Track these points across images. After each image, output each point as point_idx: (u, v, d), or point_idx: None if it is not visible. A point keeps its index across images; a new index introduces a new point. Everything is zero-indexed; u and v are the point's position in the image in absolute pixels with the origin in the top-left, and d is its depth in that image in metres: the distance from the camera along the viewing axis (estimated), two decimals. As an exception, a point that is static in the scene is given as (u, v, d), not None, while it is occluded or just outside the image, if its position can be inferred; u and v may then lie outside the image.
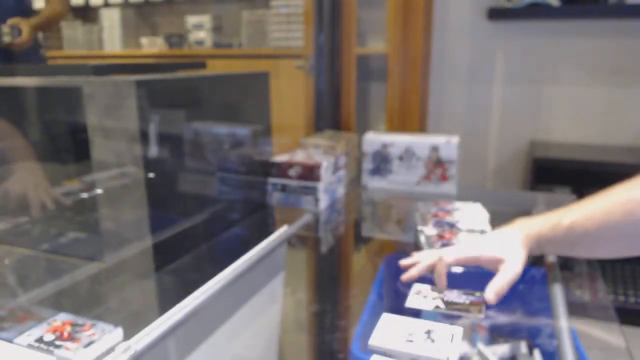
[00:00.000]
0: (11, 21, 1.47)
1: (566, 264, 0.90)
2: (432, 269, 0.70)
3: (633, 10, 1.91)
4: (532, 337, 0.74)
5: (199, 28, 2.66)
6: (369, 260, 1.03)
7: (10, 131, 0.98)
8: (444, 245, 0.91)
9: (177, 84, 0.98)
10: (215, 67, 2.43)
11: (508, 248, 0.66)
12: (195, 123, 0.98)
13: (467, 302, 0.70)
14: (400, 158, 1.27)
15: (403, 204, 1.26)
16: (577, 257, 0.74)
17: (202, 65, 1.23)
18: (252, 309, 0.68)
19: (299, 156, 1.18)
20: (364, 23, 2.35)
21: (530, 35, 2.16)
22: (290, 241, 0.90)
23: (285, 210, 1.14)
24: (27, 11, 1.61)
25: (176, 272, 0.84)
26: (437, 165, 1.25)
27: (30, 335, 0.53)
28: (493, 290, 0.62)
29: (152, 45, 2.75)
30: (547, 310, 0.69)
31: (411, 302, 0.70)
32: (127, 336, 0.53)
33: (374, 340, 0.60)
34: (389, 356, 0.59)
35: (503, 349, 0.63)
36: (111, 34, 2.86)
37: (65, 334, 0.53)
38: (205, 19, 2.65)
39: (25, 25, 1.49)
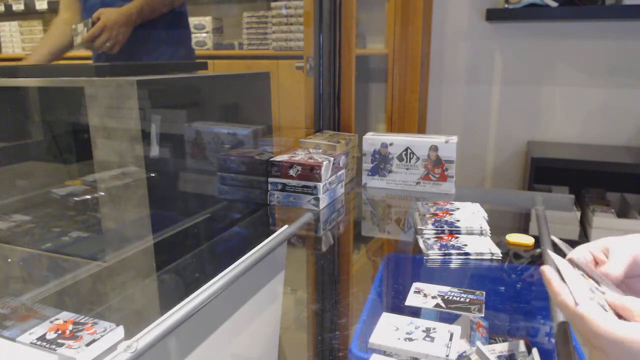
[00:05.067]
0: (96, 14, 1.14)
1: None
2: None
3: (630, 11, 1.91)
4: (531, 336, 0.75)
5: (200, 29, 2.66)
6: (369, 259, 1.04)
7: None
8: (443, 246, 0.92)
9: (178, 84, 0.98)
10: (216, 68, 2.44)
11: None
12: (196, 123, 0.98)
13: (467, 300, 0.70)
14: (400, 158, 1.28)
15: (402, 204, 1.27)
16: None
17: (203, 66, 1.24)
18: (252, 307, 0.68)
19: (299, 156, 1.18)
20: (364, 24, 2.36)
21: (529, 36, 2.17)
22: (291, 240, 0.91)
23: (285, 210, 1.15)
24: None
25: (177, 271, 0.84)
26: (436, 165, 1.25)
27: (33, 334, 0.54)
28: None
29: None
30: (546, 309, 0.70)
31: (411, 300, 0.71)
32: (129, 334, 0.54)
33: (374, 339, 0.60)
34: (389, 355, 0.59)
35: (501, 347, 0.63)
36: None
37: (67, 333, 0.54)
38: (206, 20, 2.65)
39: (106, 16, 1.13)
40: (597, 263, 0.56)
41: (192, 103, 0.99)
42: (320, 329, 0.74)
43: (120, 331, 0.54)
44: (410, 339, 0.60)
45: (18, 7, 3.07)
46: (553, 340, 0.63)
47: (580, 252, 0.56)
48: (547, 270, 0.51)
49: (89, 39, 1.15)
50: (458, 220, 1.00)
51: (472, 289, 0.73)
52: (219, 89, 1.08)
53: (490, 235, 0.96)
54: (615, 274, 0.53)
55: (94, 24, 1.14)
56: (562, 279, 0.50)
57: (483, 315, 0.67)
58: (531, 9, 2.03)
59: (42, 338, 0.53)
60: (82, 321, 0.56)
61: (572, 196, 1.23)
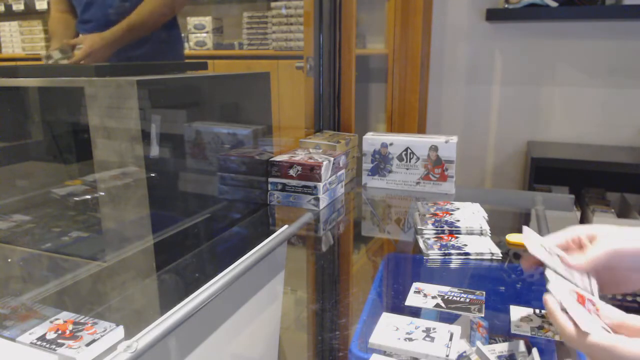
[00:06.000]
0: (77, 40, 1.15)
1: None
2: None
3: (630, 11, 1.92)
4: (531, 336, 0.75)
5: (200, 29, 2.66)
6: (369, 259, 1.04)
7: None
8: (443, 246, 0.92)
9: (178, 84, 0.98)
10: (216, 68, 2.44)
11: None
12: (196, 123, 0.98)
13: (467, 300, 0.70)
14: (400, 158, 1.28)
15: (402, 204, 1.27)
16: None
17: (203, 66, 1.24)
18: (252, 307, 0.68)
19: (299, 156, 1.18)
20: (364, 24, 2.36)
21: (529, 36, 2.17)
22: (291, 240, 0.91)
23: (285, 210, 1.15)
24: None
25: (177, 271, 0.84)
26: (436, 165, 1.25)
27: (33, 334, 0.54)
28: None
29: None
30: (546, 309, 0.70)
31: (411, 300, 0.71)
32: (129, 334, 0.54)
33: (374, 339, 0.60)
34: (389, 355, 0.59)
35: (501, 347, 0.63)
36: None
37: (67, 333, 0.54)
38: (206, 20, 2.65)
39: (90, 44, 1.12)
40: (580, 247, 0.58)
41: (192, 103, 0.99)
42: (320, 329, 0.74)
43: (120, 331, 0.54)
44: (410, 339, 0.60)
45: (18, 7, 3.06)
46: (553, 340, 0.63)
47: (557, 238, 0.59)
48: (549, 300, 0.51)
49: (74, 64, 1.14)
50: (458, 220, 1.00)
51: (472, 289, 0.73)
52: (219, 89, 1.08)
53: (490, 235, 0.96)
54: (577, 266, 0.55)
55: (74, 48, 1.13)
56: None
57: (483, 315, 0.67)
58: (531, 9, 2.03)
59: (42, 338, 0.53)
60: (82, 321, 0.56)
61: (572, 196, 1.23)
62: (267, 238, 0.75)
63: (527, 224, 1.13)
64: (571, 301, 0.50)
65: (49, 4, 2.78)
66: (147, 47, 1.30)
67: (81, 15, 1.29)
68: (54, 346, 0.51)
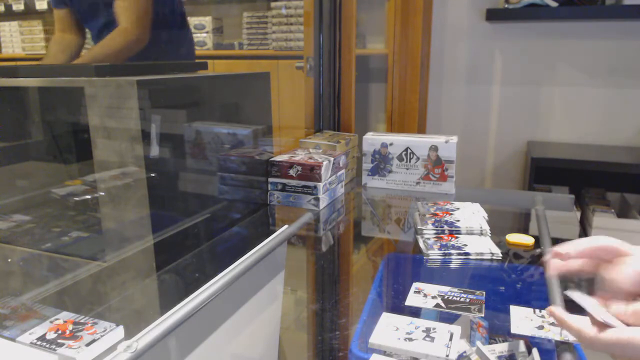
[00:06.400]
0: None
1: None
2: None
3: (630, 11, 1.92)
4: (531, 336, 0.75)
5: (200, 29, 2.66)
6: (369, 259, 1.04)
7: None
8: (443, 246, 0.92)
9: (178, 84, 0.98)
10: (216, 68, 2.44)
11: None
12: (196, 123, 0.98)
13: (467, 300, 0.70)
14: (400, 158, 1.28)
15: (402, 204, 1.27)
16: None
17: (203, 66, 1.24)
18: (252, 307, 0.68)
19: (299, 156, 1.18)
20: (364, 24, 2.36)
21: (529, 36, 2.17)
22: (291, 240, 0.91)
23: (285, 210, 1.15)
24: None
25: (177, 271, 0.84)
26: (436, 165, 1.25)
27: (33, 334, 0.54)
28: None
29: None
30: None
31: (411, 300, 0.71)
32: (129, 334, 0.54)
33: (374, 339, 0.60)
34: (389, 355, 0.59)
35: (501, 347, 0.63)
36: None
37: (67, 333, 0.54)
38: (206, 20, 2.65)
39: None
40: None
41: (192, 103, 0.99)
42: (320, 329, 0.74)
43: (120, 331, 0.54)
44: (410, 339, 0.60)
45: (18, 7, 3.06)
46: (553, 340, 0.63)
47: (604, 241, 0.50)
48: (554, 309, 0.48)
49: None
50: (458, 220, 1.00)
51: (472, 289, 0.73)
52: (219, 89, 1.08)
53: (490, 235, 0.96)
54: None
55: None
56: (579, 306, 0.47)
57: (483, 315, 0.67)
58: (531, 9, 2.03)
59: (42, 338, 0.53)
60: (82, 321, 0.56)
61: (572, 196, 1.23)
62: (267, 238, 0.75)
63: (527, 224, 1.13)
64: (585, 299, 0.47)
65: (49, 4, 2.79)
66: (162, 47, 1.32)
67: (96, 39, 1.31)
68: (54, 346, 0.51)
